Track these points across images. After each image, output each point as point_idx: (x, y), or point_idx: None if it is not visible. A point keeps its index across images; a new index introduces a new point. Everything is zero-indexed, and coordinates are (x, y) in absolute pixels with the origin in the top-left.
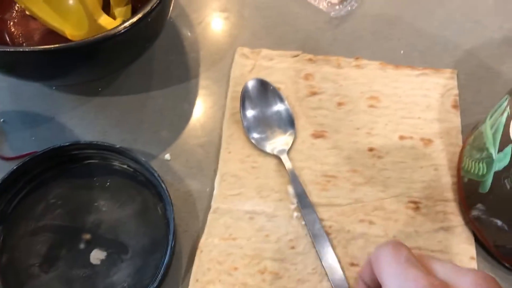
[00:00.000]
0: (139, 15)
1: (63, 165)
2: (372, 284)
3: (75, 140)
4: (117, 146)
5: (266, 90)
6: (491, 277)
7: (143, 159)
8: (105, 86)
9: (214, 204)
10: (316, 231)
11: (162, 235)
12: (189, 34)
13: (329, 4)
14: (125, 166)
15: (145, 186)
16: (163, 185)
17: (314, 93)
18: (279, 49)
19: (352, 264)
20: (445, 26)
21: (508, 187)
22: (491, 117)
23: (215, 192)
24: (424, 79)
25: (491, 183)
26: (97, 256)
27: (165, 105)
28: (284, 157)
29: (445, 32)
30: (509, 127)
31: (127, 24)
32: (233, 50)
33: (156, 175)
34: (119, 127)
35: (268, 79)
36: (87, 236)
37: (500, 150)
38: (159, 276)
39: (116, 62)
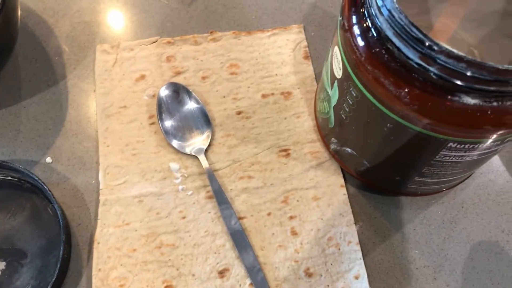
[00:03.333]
0: None
1: None
2: None
3: None
4: None
5: (178, 93)
6: None
7: (21, 166)
8: None
9: (102, 197)
10: (233, 226)
11: (56, 233)
12: (49, 39)
13: None
14: (9, 178)
15: (32, 192)
16: (46, 187)
17: (178, 73)
18: (139, 36)
19: (240, 218)
20: None
21: (344, 117)
22: (326, 60)
23: (101, 186)
24: (275, 38)
25: (334, 117)
26: None
27: (39, 112)
28: (202, 157)
29: None
30: (332, 65)
31: None
32: (94, 46)
33: (37, 179)
34: None
35: (132, 68)
36: None
37: (332, 86)
38: (57, 270)
39: None
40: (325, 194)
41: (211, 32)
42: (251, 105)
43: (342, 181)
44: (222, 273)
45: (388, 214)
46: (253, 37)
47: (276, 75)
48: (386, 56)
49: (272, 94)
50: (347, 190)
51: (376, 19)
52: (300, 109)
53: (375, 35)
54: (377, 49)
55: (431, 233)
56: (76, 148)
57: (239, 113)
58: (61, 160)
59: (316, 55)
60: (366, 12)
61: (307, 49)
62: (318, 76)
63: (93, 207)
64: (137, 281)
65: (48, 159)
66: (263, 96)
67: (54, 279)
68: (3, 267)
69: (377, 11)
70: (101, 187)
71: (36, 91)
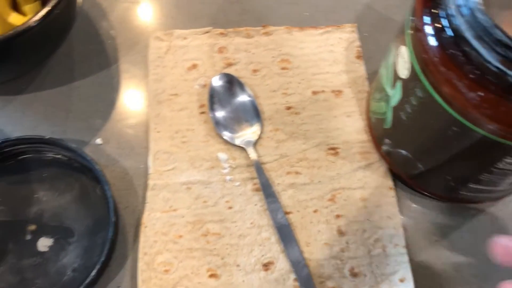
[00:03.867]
0: (47, 9)
1: None
2: None
3: (4, 138)
4: (47, 137)
5: (231, 84)
6: None
7: (74, 145)
8: (28, 83)
9: (151, 182)
10: (279, 220)
11: (104, 215)
12: (104, 23)
13: None
14: (59, 156)
15: (81, 172)
16: (97, 167)
17: (229, 64)
18: (192, 25)
19: (287, 213)
20: None
21: (404, 118)
22: (385, 59)
23: (150, 170)
24: (328, 36)
25: (391, 118)
26: (44, 243)
27: (90, 93)
28: (250, 149)
29: None
30: (396, 65)
31: (36, 18)
32: (148, 32)
33: (88, 159)
34: (48, 120)
35: (185, 57)
36: (32, 227)
37: (393, 86)
38: (105, 251)
39: (33, 57)
40: (373, 195)
41: (263, 26)
42: (301, 101)
43: (391, 183)
44: (266, 266)
45: (436, 219)
46: (306, 33)
47: (328, 72)
48: (461, 57)
49: (323, 91)
50: (395, 193)
51: (454, 20)
52: (351, 108)
53: (450, 36)
54: (452, 50)
55: (479, 242)
56: (125, 132)
57: (288, 108)
58: (111, 142)
59: (368, 55)
60: (441, 12)
61: (359, 49)
62: (370, 77)
63: (141, 191)
64: (182, 267)
65: (98, 141)
66: (314, 93)
67: (103, 259)
68: (51, 244)
69: (455, 11)
70: (150, 171)
71: (88, 73)
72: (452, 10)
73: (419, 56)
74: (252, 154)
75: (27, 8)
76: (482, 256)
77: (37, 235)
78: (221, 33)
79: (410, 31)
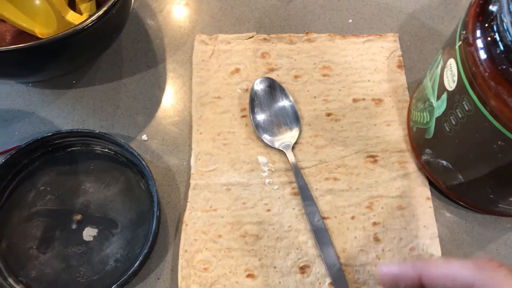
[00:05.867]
0: (104, 9)
1: (48, 154)
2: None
3: (56, 130)
4: (97, 131)
5: (272, 88)
6: None
7: (122, 141)
8: (79, 78)
9: (192, 181)
10: (316, 223)
11: (147, 208)
12: (152, 22)
13: None
14: (106, 150)
15: (127, 166)
16: (143, 162)
17: (271, 70)
18: (237, 28)
19: (324, 218)
20: None
21: (448, 129)
22: (430, 70)
23: (192, 170)
24: (370, 44)
25: (434, 129)
26: (89, 233)
27: (138, 91)
28: (289, 152)
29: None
30: (443, 77)
31: (93, 18)
32: (194, 33)
33: (136, 154)
34: (96, 115)
35: (228, 61)
36: (78, 217)
37: (438, 98)
38: (149, 243)
39: (87, 54)
40: (410, 204)
41: (306, 33)
42: (341, 108)
43: (428, 193)
44: (303, 269)
45: (471, 230)
46: (348, 41)
47: (369, 81)
48: None
49: (363, 99)
50: (432, 203)
51: (507, 34)
52: (391, 117)
53: (502, 50)
54: (504, 66)
55: None
56: (170, 130)
57: (328, 114)
58: (156, 139)
59: (410, 65)
60: (494, 27)
61: (401, 58)
62: (410, 86)
63: (183, 188)
64: (221, 266)
65: (144, 137)
66: (354, 100)
67: (146, 251)
68: (95, 234)
69: (509, 26)
70: (192, 171)
71: (136, 71)
72: (506, 25)
73: (468, 69)
74: (291, 157)
75: (82, 7)
76: None
77: (82, 224)
78: (264, 39)
79: (460, 44)
